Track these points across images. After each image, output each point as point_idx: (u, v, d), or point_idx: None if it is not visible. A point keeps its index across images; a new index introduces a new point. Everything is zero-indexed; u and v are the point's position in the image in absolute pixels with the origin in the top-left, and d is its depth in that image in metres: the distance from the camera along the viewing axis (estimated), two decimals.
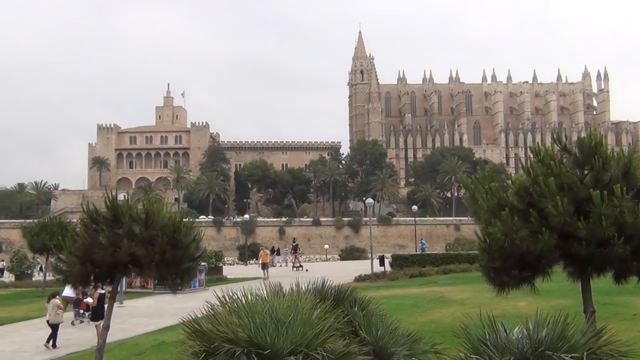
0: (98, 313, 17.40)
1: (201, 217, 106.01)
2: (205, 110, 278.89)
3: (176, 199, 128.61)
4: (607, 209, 7.44)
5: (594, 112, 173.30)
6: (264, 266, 37.18)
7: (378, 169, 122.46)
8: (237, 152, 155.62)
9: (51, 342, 16.94)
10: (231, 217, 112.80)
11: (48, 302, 17.86)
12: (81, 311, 21.84)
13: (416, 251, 63.63)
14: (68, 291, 21.82)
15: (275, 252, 55.42)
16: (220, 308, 5.35)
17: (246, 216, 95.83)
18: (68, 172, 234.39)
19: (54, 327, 17.22)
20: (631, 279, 8.32)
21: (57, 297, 18.21)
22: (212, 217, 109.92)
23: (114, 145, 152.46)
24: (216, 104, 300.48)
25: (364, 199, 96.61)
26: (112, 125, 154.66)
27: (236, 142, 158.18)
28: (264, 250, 40.23)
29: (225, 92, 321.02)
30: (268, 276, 34.06)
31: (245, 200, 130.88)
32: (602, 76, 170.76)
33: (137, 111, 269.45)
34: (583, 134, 8.52)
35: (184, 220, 10.62)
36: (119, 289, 16.44)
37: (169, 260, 10.15)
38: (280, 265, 52.21)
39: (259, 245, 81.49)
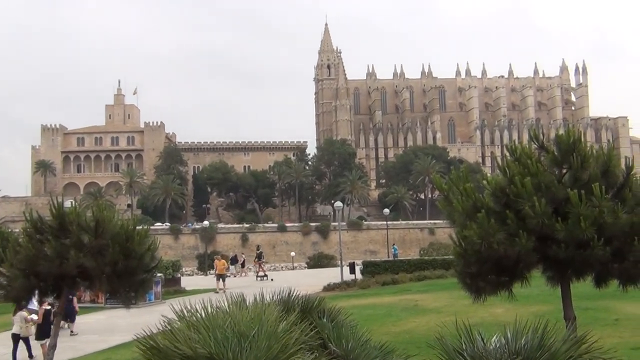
0: (43, 331, 17.14)
1: (157, 224, 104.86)
2: (160, 109, 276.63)
3: (129, 205, 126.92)
4: (586, 209, 7.60)
5: (573, 108, 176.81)
6: (220, 277, 36.64)
7: (347, 170, 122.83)
8: (195, 154, 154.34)
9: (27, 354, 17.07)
10: (189, 224, 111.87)
11: (14, 314, 17.64)
12: None
13: (388, 257, 63.96)
14: (34, 304, 21.53)
15: (240, 262, 54.83)
16: (178, 322, 5.30)
17: (206, 223, 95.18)
18: (9, 178, 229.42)
19: (26, 340, 17.16)
20: (612, 282, 8.51)
21: (24, 309, 17.95)
22: (169, 224, 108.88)
23: (60, 148, 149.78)
24: (172, 102, 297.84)
25: (333, 202, 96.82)
26: (58, 126, 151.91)
27: (194, 142, 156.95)
28: (219, 260, 39.74)
29: (182, 89, 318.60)
30: (225, 288, 33.67)
31: (204, 205, 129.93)
32: (581, 70, 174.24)
33: (86, 111, 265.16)
34: (561, 131, 8.66)
35: (138, 228, 10.50)
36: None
37: (121, 271, 10.02)
38: (235, 275, 52.01)
39: (221, 254, 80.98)
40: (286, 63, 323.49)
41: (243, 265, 54.71)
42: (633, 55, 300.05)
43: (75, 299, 21.53)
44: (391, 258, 56.33)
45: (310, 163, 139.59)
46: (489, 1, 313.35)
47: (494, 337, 5.16)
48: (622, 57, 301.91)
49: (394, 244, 77.68)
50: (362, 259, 54.02)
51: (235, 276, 52.73)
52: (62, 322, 21.55)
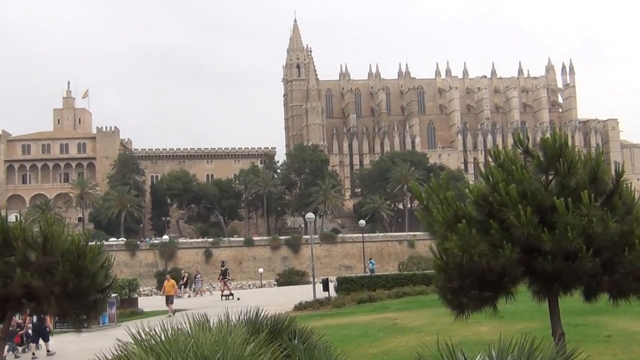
0: None
1: (111, 239, 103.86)
2: (115, 113, 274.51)
3: (80, 219, 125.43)
4: (574, 219, 7.72)
5: (560, 110, 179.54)
6: (168, 300, 36.35)
7: (319, 179, 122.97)
8: (153, 162, 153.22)
9: None
10: (147, 239, 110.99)
11: None
12: (15, 345, 22.45)
13: (365, 272, 64.06)
14: None
15: (183, 281, 53.87)
16: (135, 347, 5.26)
17: (165, 237, 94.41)
18: None
19: None
20: (602, 296, 8.65)
21: None
22: (125, 239, 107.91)
23: (3, 157, 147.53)
24: (128, 106, 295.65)
25: (304, 213, 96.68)
26: (0, 133, 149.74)
27: (152, 149, 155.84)
28: (168, 280, 39.45)
29: (138, 92, 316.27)
30: (173, 310, 33.41)
31: (163, 218, 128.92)
32: (568, 70, 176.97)
33: (32, 116, 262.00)
34: (548, 134, 8.79)
35: (90, 243, 10.41)
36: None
37: (72, 292, 9.91)
38: (189, 296, 51.62)
39: (181, 271, 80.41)
40: (252, 63, 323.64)
41: (186, 284, 53.91)
42: (621, 54, 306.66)
43: (48, 318, 21.51)
44: (368, 273, 56.43)
45: (279, 171, 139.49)
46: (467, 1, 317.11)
47: (478, 356, 5.22)
48: (609, 56, 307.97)
49: (370, 258, 77.88)
50: (336, 275, 54.02)
51: (189, 296, 52.34)
52: (35, 344, 22.12)
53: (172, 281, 38.96)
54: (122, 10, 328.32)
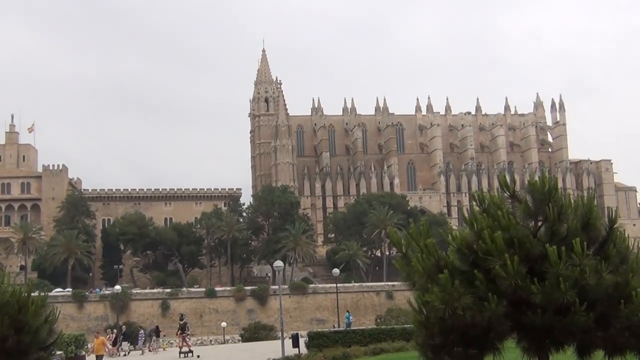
0: None
1: (56, 290, 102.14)
2: (63, 150, 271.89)
3: (22, 267, 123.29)
4: (566, 269, 7.79)
5: (550, 150, 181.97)
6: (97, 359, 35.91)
7: (289, 223, 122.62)
8: (105, 204, 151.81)
9: None
10: (97, 290, 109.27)
11: None
12: None
13: (338, 327, 63.62)
14: None
15: (112, 338, 52.72)
16: None
17: (117, 287, 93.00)
18: None
19: None
20: (597, 353, 8.68)
21: None
22: (72, 289, 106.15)
23: None
24: (77, 142, 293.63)
25: (272, 261, 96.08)
26: None
27: (104, 190, 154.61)
28: (97, 337, 38.90)
29: (89, 127, 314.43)
30: None
31: (116, 266, 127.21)
32: (557, 106, 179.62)
33: None
34: (537, 177, 8.90)
35: (33, 295, 10.25)
36: None
37: (12, 349, 9.72)
38: (125, 354, 50.78)
39: (135, 326, 79.22)
40: (216, 97, 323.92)
41: (115, 343, 52.81)
42: (612, 91, 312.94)
43: None
44: (343, 328, 56.10)
45: (245, 214, 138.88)
46: (449, 31, 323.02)
47: None
48: (600, 93, 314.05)
49: (347, 311, 77.56)
50: (307, 330, 53.64)
51: (125, 354, 51.42)
52: None
53: (102, 338, 38.37)
54: (72, 38, 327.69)
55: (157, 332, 61.07)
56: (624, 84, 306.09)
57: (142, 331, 62.11)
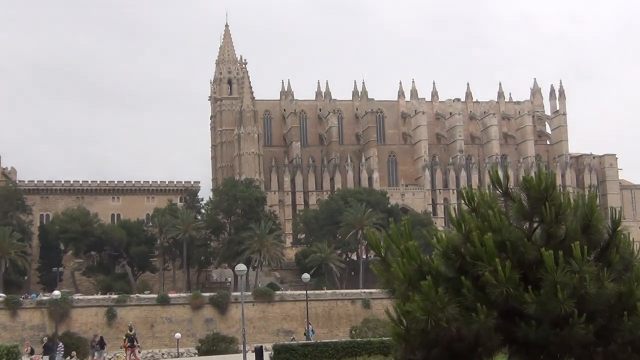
0: None
1: None
2: None
3: None
4: (564, 276, 7.83)
5: (548, 142, 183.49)
6: None
7: (254, 222, 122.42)
8: (43, 197, 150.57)
9: None
10: (33, 295, 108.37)
11: None
12: None
13: (308, 339, 63.74)
14: None
15: (31, 352, 52.49)
16: None
17: (56, 293, 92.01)
18: None
19: None
20: None
21: None
22: (3, 295, 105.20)
23: None
24: (10, 127, 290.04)
25: (233, 264, 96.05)
26: None
27: (42, 182, 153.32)
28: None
29: (24, 111, 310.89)
30: None
31: (55, 268, 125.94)
32: (557, 94, 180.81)
33: None
34: (533, 172, 8.95)
35: None
36: None
37: None
38: None
39: (76, 336, 78.69)
40: (170, 78, 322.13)
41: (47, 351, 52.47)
42: (617, 78, 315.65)
43: None
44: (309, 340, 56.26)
45: (203, 211, 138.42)
46: (435, 10, 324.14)
47: None
48: (603, 80, 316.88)
49: (309, 323, 77.82)
50: (273, 342, 53.59)
51: None
52: None
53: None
54: (4, 11, 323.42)
55: (101, 343, 60.75)
56: (630, 69, 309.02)
57: (60, 344, 61.45)
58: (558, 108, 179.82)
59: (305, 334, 69.33)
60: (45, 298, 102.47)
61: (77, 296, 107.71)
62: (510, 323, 8.01)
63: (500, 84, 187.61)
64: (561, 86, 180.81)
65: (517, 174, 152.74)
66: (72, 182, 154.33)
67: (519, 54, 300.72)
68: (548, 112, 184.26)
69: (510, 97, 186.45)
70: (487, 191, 8.87)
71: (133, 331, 52.84)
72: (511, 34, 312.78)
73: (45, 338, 58.34)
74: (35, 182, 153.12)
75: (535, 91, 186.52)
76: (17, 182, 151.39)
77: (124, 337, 55.72)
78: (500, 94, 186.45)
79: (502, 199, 8.82)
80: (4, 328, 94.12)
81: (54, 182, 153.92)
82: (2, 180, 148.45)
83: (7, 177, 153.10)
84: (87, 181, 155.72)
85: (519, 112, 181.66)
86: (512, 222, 8.49)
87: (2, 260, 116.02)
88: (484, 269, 7.88)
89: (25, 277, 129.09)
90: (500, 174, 9.11)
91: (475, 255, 8.01)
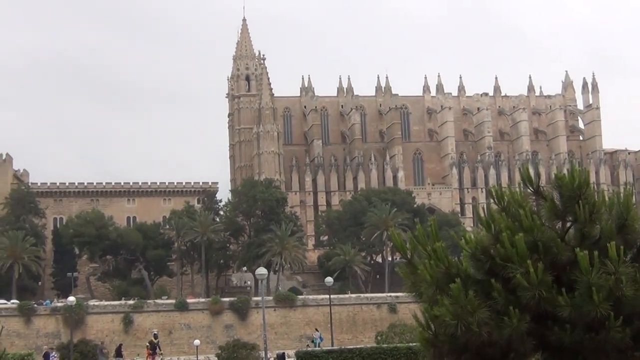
0: None
1: None
2: (5, 138, 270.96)
3: None
4: (599, 278, 7.79)
5: (580, 137, 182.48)
6: None
7: (274, 223, 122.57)
8: (56, 200, 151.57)
9: None
10: (47, 301, 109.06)
11: None
12: None
13: (332, 345, 63.73)
14: None
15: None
16: None
17: (71, 299, 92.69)
18: None
19: None
20: None
21: None
22: (17, 301, 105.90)
23: None
24: (22, 129, 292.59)
25: (254, 268, 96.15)
26: None
27: (55, 184, 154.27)
28: None
29: (36, 112, 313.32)
30: None
31: (70, 274, 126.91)
32: (590, 87, 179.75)
33: None
34: (566, 169, 8.92)
35: None
36: None
37: None
38: None
39: (92, 343, 79.08)
40: (187, 75, 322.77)
41: None
42: None
43: None
44: (317, 347, 56.31)
45: (222, 213, 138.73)
46: (459, 1, 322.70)
47: None
48: (636, 72, 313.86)
49: (316, 329, 77.77)
50: (295, 349, 53.73)
51: None
52: None
53: None
54: (14, 9, 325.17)
55: (118, 352, 61.19)
56: None
57: (54, 354, 61.65)
58: (591, 102, 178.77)
59: (312, 341, 69.19)
60: (59, 304, 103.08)
61: (92, 302, 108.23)
62: (543, 327, 7.98)
63: (530, 77, 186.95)
64: (594, 79, 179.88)
65: (549, 171, 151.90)
66: (86, 184, 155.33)
67: (548, 46, 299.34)
68: (580, 106, 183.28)
69: (541, 91, 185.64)
70: (517, 190, 8.84)
71: (157, 339, 53.23)
72: (539, 25, 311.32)
73: (45, 347, 58.71)
74: (48, 184, 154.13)
75: (567, 84, 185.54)
76: (29, 184, 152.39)
77: (147, 344, 56.18)
78: (530, 88, 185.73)
79: (533, 197, 8.79)
80: (18, 335, 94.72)
81: (67, 184, 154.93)
82: (14, 182, 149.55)
83: (19, 179, 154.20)
84: (101, 183, 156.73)
85: (550, 106, 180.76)
86: (544, 221, 8.45)
87: (16, 266, 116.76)
88: (515, 271, 7.86)
89: (39, 283, 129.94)
90: (531, 171, 9.06)
91: (506, 256, 7.99)
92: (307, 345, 78.44)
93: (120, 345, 66.45)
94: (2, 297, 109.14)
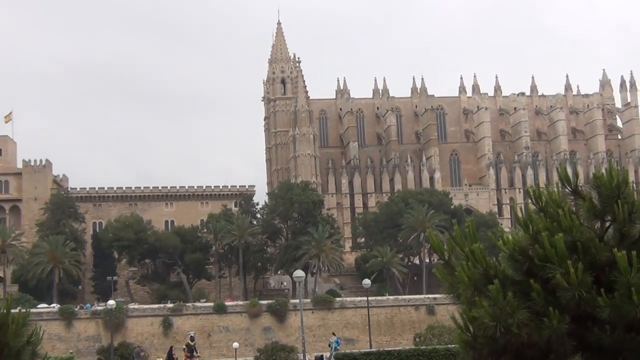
0: None
1: (41, 305, 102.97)
2: (45, 144, 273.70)
3: (1, 279, 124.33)
4: (639, 278, 7.73)
5: (619, 137, 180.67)
6: None
7: (311, 226, 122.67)
8: (95, 205, 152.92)
9: None
10: (88, 305, 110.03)
11: None
12: None
13: (370, 347, 63.68)
14: None
15: None
16: None
17: (111, 302, 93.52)
18: None
19: None
20: None
21: None
22: (58, 305, 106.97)
23: None
24: (61, 135, 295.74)
25: (291, 270, 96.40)
26: None
27: (94, 189, 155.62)
28: None
29: (74, 118, 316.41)
30: None
31: (109, 277, 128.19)
32: (628, 85, 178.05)
33: None
34: (604, 169, 8.85)
35: (13, 312, 10.35)
36: None
37: None
38: None
39: (133, 346, 79.72)
40: (222, 80, 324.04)
41: None
42: None
43: None
44: (374, 349, 56.16)
45: (259, 216, 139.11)
46: (494, 1, 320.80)
47: None
48: None
49: (333, 333, 77.64)
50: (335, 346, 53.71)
51: None
52: None
53: None
54: (51, 17, 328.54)
55: (169, 355, 61.62)
56: None
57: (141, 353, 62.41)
58: (629, 100, 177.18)
59: (329, 345, 69.10)
60: (100, 308, 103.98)
61: (132, 305, 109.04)
62: (582, 328, 7.93)
63: (567, 77, 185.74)
64: (632, 77, 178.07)
65: (587, 170, 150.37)
66: (124, 189, 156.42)
67: (585, 44, 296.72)
68: (619, 104, 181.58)
69: (579, 90, 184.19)
70: (555, 189, 8.80)
71: (194, 342, 53.50)
72: (575, 24, 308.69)
73: (137, 346, 59.46)
74: (87, 189, 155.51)
75: (605, 83, 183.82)
76: (69, 189, 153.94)
77: (184, 347, 56.56)
78: (568, 87, 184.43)
79: (572, 197, 8.74)
80: (59, 339, 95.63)
81: (106, 189, 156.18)
82: (53, 188, 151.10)
83: (59, 184, 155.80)
84: (139, 187, 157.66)
85: (588, 105, 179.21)
86: (582, 221, 8.40)
87: (56, 270, 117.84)
88: (554, 272, 7.81)
89: (80, 287, 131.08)
90: (569, 171, 9.02)
91: (545, 257, 7.94)
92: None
93: (172, 348, 66.84)
94: (44, 301, 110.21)
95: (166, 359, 58.92)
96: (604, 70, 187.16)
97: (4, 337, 9.99)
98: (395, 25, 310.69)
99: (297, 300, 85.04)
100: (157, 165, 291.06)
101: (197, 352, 52.51)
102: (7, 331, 10.04)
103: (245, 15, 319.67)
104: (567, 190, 8.82)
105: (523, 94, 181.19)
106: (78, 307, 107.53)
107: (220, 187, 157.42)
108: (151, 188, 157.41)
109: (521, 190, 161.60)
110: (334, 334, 75.58)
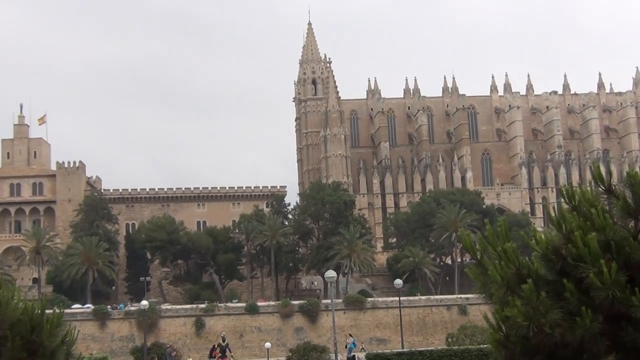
0: None
1: (75, 306, 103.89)
2: (78, 145, 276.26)
3: (35, 280, 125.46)
4: None
5: None
6: None
7: (343, 226, 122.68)
8: (128, 206, 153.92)
9: None
10: (121, 306, 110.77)
11: None
12: None
13: (402, 347, 63.55)
14: None
15: None
16: None
17: (144, 303, 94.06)
18: None
19: None
20: None
21: None
22: (92, 305, 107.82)
23: None
24: (94, 136, 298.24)
25: (323, 271, 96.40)
26: None
27: (127, 190, 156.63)
28: None
29: (107, 120, 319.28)
30: None
31: (142, 278, 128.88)
32: None
33: None
34: (638, 167, 8.75)
35: (48, 312, 10.44)
36: None
37: None
38: None
39: (165, 346, 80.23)
40: (253, 80, 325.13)
41: None
42: None
43: None
44: (407, 349, 56.04)
45: (290, 217, 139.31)
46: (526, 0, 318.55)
47: None
48: None
49: (349, 334, 77.45)
50: (366, 351, 53.71)
51: None
52: None
53: None
54: (83, 19, 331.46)
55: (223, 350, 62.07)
56: None
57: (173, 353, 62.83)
58: None
59: (346, 346, 68.98)
60: (133, 308, 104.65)
61: (165, 306, 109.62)
62: (616, 328, 7.87)
63: (600, 75, 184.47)
64: None
65: (621, 169, 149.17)
66: (156, 190, 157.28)
67: (616, 42, 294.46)
68: None
69: (611, 88, 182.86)
70: (588, 188, 8.73)
71: (226, 342, 53.74)
72: (607, 22, 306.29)
73: (168, 346, 59.82)
74: (120, 190, 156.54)
75: (638, 81, 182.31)
76: (102, 191, 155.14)
77: (216, 347, 56.82)
78: (600, 85, 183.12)
79: (605, 196, 8.66)
80: (93, 339, 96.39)
81: (138, 190, 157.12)
82: (87, 189, 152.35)
83: (92, 186, 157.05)
84: (171, 188, 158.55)
85: (621, 103, 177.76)
86: (616, 220, 8.33)
87: (90, 271, 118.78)
88: (588, 271, 7.76)
89: (113, 287, 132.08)
90: (603, 169, 8.95)
91: (578, 256, 7.89)
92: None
93: (214, 347, 67.19)
94: (78, 301, 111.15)
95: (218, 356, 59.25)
96: (637, 67, 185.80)
97: (39, 337, 10.08)
98: (426, 25, 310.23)
99: (328, 301, 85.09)
100: (189, 166, 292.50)
101: (230, 351, 52.71)
102: (42, 331, 10.13)
103: (277, 16, 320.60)
104: (600, 189, 8.76)
105: (555, 92, 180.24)
106: (111, 307, 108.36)
107: (252, 188, 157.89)
108: (183, 189, 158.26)
109: (554, 189, 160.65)
110: (350, 335, 75.43)
